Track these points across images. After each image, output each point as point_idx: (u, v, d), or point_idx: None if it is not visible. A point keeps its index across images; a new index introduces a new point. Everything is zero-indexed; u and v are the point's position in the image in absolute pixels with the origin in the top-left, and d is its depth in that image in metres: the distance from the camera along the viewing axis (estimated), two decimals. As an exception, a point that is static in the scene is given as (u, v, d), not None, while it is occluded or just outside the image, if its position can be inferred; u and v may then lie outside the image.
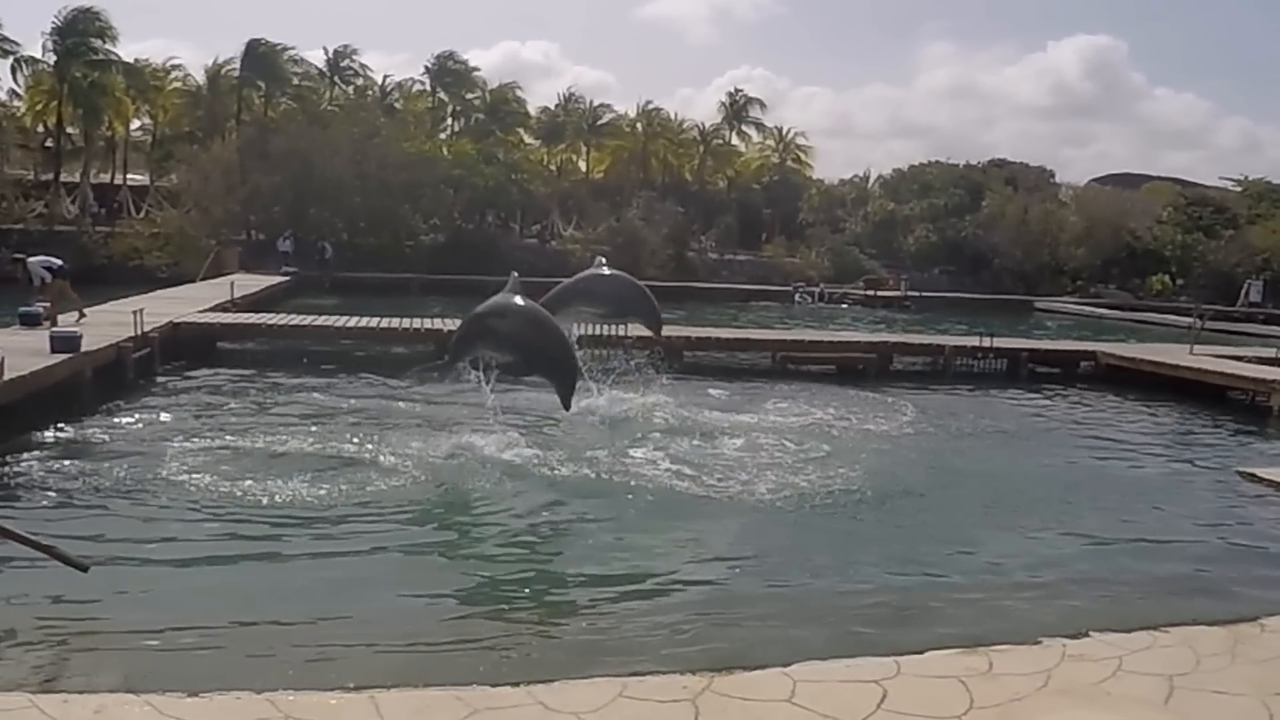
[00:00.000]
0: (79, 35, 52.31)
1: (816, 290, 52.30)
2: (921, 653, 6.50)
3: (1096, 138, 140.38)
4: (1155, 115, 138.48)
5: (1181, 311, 43.54)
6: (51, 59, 52.82)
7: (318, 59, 64.81)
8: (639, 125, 72.80)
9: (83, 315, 19.31)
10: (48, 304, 19.27)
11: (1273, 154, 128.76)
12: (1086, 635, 6.84)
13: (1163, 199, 65.62)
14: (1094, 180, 75.43)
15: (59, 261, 20.13)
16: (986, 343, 24.96)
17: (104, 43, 53.45)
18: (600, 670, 6.32)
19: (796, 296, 51.30)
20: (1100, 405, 21.03)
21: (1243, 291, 54.88)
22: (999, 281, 57.72)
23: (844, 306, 49.63)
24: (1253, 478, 13.42)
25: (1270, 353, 25.63)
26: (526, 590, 8.53)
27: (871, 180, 74.53)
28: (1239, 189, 68.04)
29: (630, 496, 11.38)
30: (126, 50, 56.60)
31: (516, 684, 5.75)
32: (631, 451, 13.42)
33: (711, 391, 19.25)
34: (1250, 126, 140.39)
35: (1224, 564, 10.13)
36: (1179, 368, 22.84)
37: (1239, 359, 24.20)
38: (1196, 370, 22.43)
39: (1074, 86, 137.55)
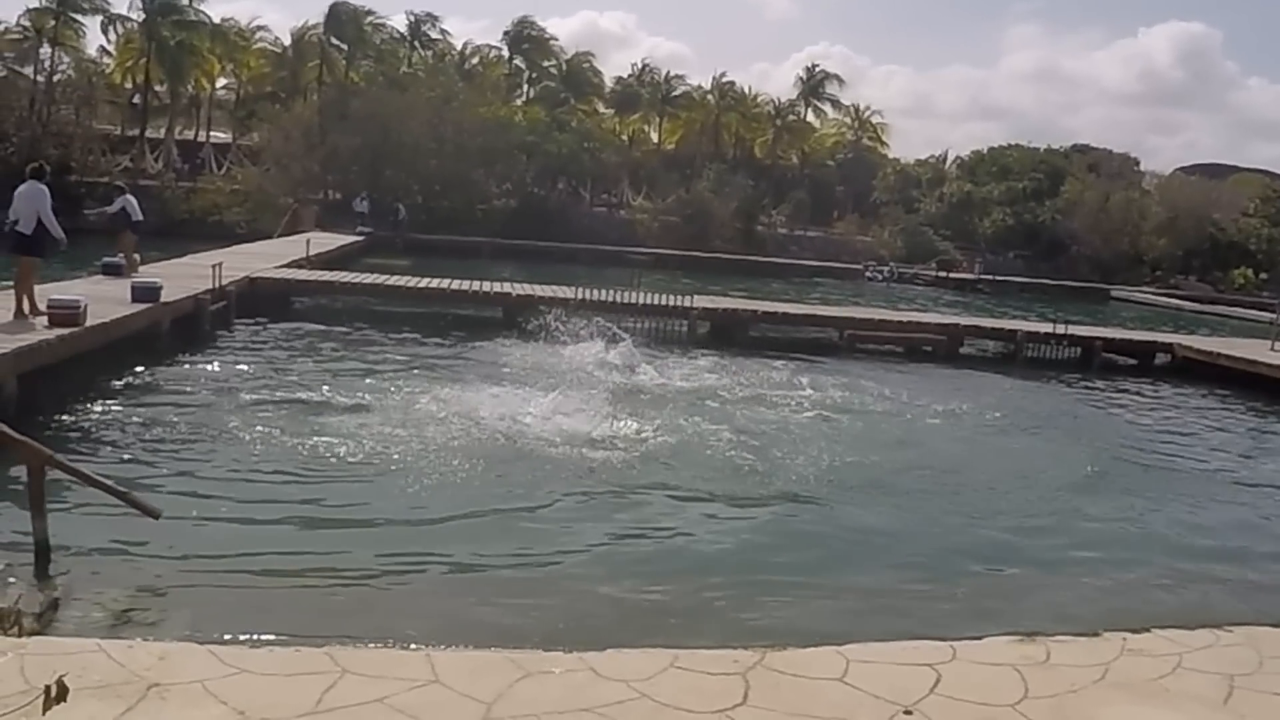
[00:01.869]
0: (167, -4, 53.32)
1: (888, 269, 51.72)
2: (979, 638, 6.44)
3: (1185, 126, 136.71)
4: (1246, 105, 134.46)
5: (1264, 307, 42.33)
6: (140, 18, 53.87)
7: (400, 24, 65.43)
8: (712, 97, 72.34)
9: (134, 272, 19.72)
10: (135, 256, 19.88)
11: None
12: (1148, 631, 6.71)
13: (1250, 191, 63.73)
14: (1180, 169, 73.40)
15: (140, 216, 20.62)
16: (1060, 329, 24.50)
17: (191, 3, 54.39)
18: (653, 640, 6.36)
19: (868, 274, 50.81)
20: (1174, 398, 20.57)
21: None
22: (1075, 268, 56.62)
23: (916, 287, 49.03)
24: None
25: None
26: (580, 557, 8.57)
27: (949, 161, 73.45)
28: (1331, 182, 65.86)
29: (688, 468, 11.39)
30: (214, 11, 57.76)
31: (569, 649, 5.80)
32: (690, 422, 13.44)
33: (776, 365, 19.13)
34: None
35: (1294, 566, 9.91)
36: (1258, 364, 22.22)
37: (1322, 357, 23.46)
38: (1276, 367, 21.81)
39: (1164, 74, 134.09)
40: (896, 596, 8.18)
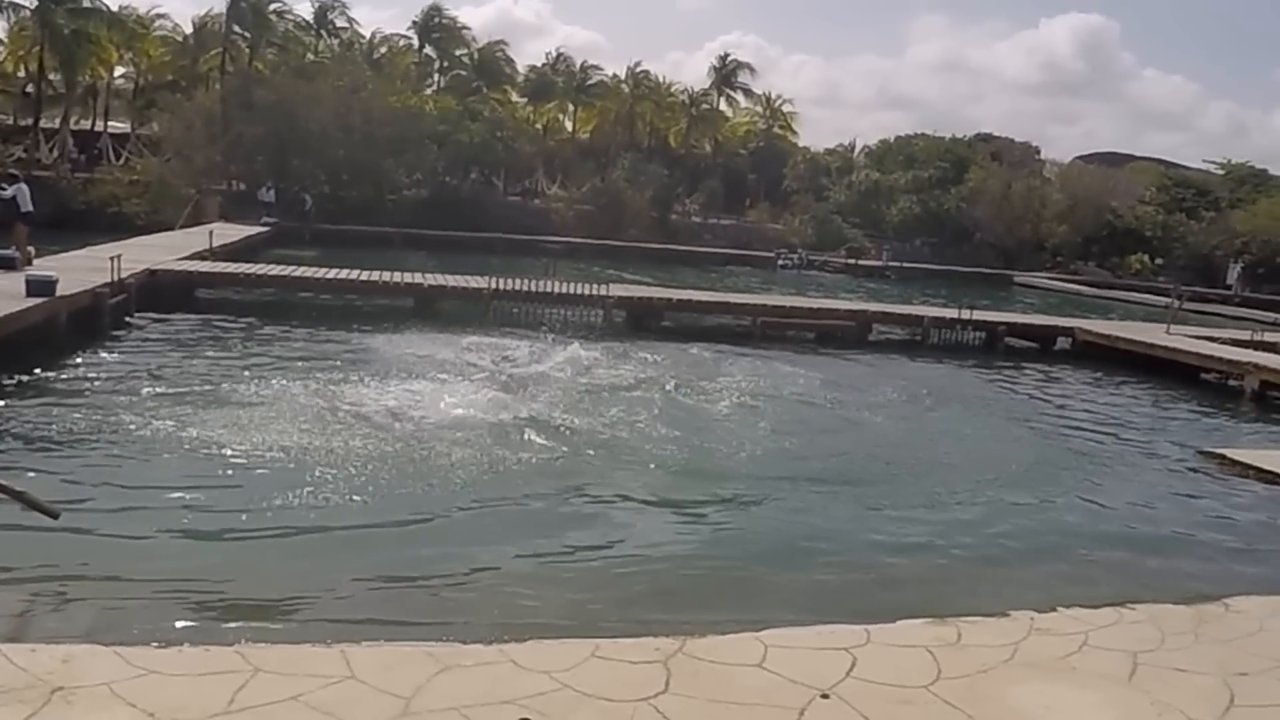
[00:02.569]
0: (58, -17, 51.41)
1: (797, 256, 52.30)
2: (892, 621, 6.56)
3: (1084, 116, 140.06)
4: (1143, 96, 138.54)
5: (1160, 291, 43.84)
6: (34, 4, 51.95)
7: (305, 11, 64.12)
8: (626, 86, 72.38)
9: (28, 265, 19.09)
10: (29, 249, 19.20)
11: (1258, 139, 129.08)
12: (1054, 610, 6.91)
13: (1146, 179, 65.70)
14: (1079, 158, 75.33)
15: (30, 207, 19.94)
16: (965, 315, 25.06)
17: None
18: (572, 631, 6.35)
19: (780, 261, 51.32)
20: (1075, 381, 21.19)
21: (1230, 273, 55.34)
22: (980, 255, 57.89)
23: (826, 274, 49.68)
24: (1221, 459, 13.56)
25: (1245, 335, 25.86)
26: (497, 551, 8.49)
27: (857, 150, 74.41)
28: (1222, 172, 68.28)
29: (604, 457, 11.40)
30: None
31: (489, 642, 5.76)
32: (607, 411, 13.45)
33: (691, 352, 19.25)
34: (1236, 110, 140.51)
35: (1190, 543, 10.27)
36: (1155, 347, 23.01)
37: (1214, 340, 24.40)
38: (1172, 350, 22.61)
39: (1064, 64, 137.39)
40: (809, 580, 8.28)
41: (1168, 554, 9.79)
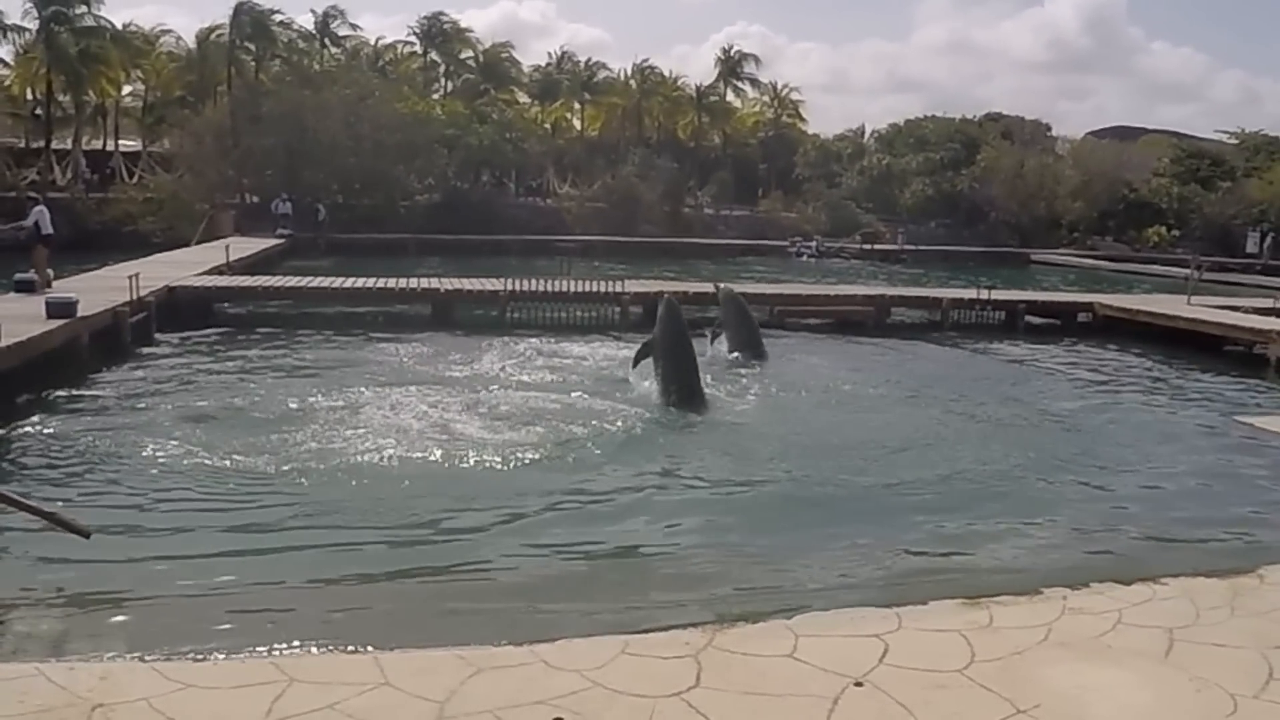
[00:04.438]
0: (60, 2, 51.66)
1: (814, 245, 52.13)
2: (923, 604, 6.53)
3: (1094, 91, 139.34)
4: (1153, 69, 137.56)
5: (1178, 263, 43.47)
6: (38, 25, 52.24)
7: (307, 22, 64.36)
8: (633, 82, 72.36)
9: (48, 287, 19.22)
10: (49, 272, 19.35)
11: (1270, 107, 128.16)
12: (1086, 586, 6.86)
13: (1159, 152, 65.21)
14: (1090, 133, 74.88)
15: (50, 229, 20.06)
16: (984, 295, 24.94)
17: (90, 9, 52.86)
18: (603, 628, 6.35)
19: (795, 250, 51.18)
20: (1098, 356, 21.05)
21: (1250, 242, 55.01)
22: (995, 234, 57.63)
23: (841, 261, 49.50)
24: (1250, 428, 13.46)
25: (1267, 303, 25.63)
26: (525, 552, 8.48)
27: (867, 135, 74.22)
28: (1235, 142, 67.69)
29: (622, 450, 11.42)
30: (116, 16, 56.21)
31: (520, 643, 5.77)
32: (620, 403, 13.50)
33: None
34: (1247, 79, 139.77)
35: (1221, 514, 10.14)
36: (1176, 318, 22.83)
37: (1236, 309, 24.19)
38: (1193, 321, 22.43)
39: (1071, 41, 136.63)
40: (840, 566, 8.23)
41: (1199, 527, 9.69)
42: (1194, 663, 5.65)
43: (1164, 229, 58.18)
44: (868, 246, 52.39)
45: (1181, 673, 5.54)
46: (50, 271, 19.63)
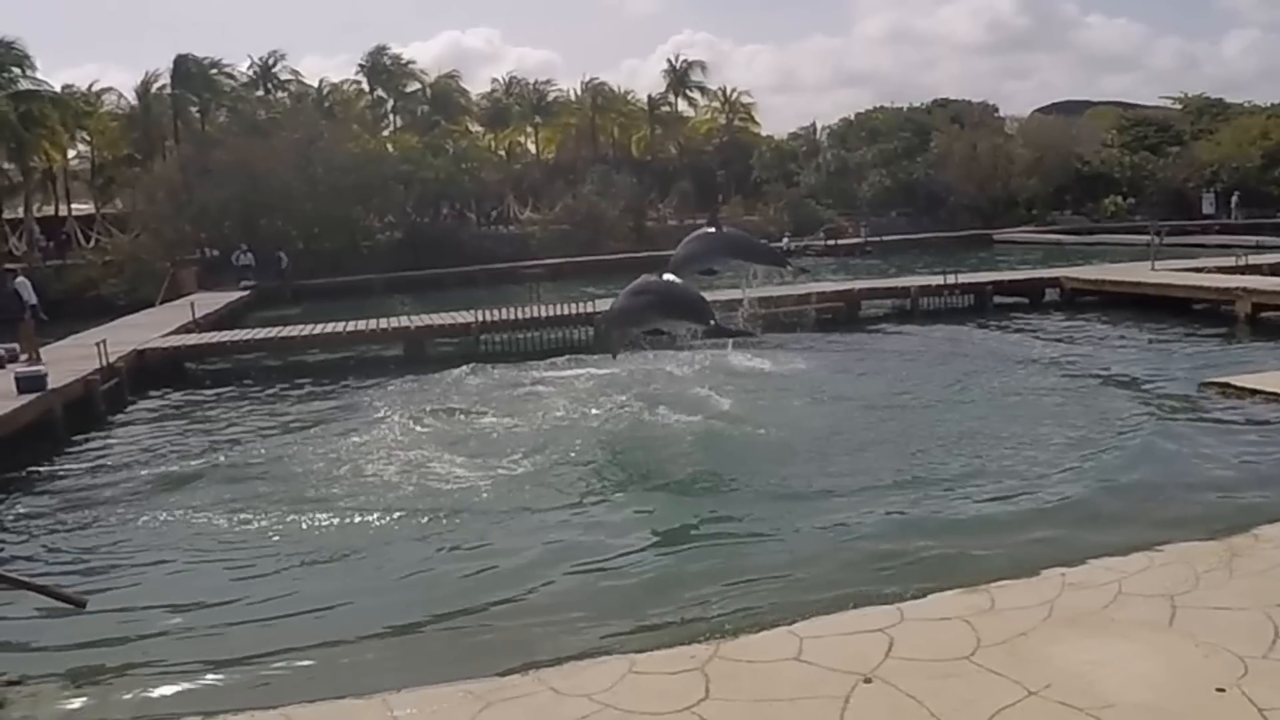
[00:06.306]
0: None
1: (784, 243, 52.17)
2: (923, 596, 6.54)
3: (1036, 69, 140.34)
4: (1090, 42, 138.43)
5: (1138, 230, 43.94)
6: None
7: (247, 68, 63.90)
8: (585, 100, 72.47)
9: (38, 360, 18.95)
10: (13, 345, 19.00)
11: (1209, 69, 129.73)
12: (1084, 563, 6.88)
13: (1106, 123, 66.00)
14: (1037, 110, 75.51)
15: (35, 300, 19.74)
16: (951, 280, 25.11)
17: (25, 72, 52.29)
18: (608, 649, 6.33)
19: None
20: (1068, 329, 21.24)
21: (1205, 203, 55.81)
22: (956, 218, 58.03)
23: (808, 258, 49.59)
24: (1225, 386, 13.57)
25: (1229, 262, 25.94)
26: (523, 580, 8.43)
27: (819, 131, 74.48)
28: (1179, 107, 68.63)
29: (607, 468, 11.41)
30: (55, 79, 55.65)
31: (525, 671, 5.74)
32: (593, 414, 13.57)
33: (683, 353, 19.21)
34: (1184, 45, 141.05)
35: (1209, 476, 10.25)
36: (1143, 284, 23.10)
37: (1201, 270, 24.46)
38: (1160, 285, 22.70)
39: (1009, 21, 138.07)
40: (834, 564, 8.24)
41: (1189, 491, 9.78)
42: (1199, 628, 5.68)
43: (1119, 198, 58.82)
44: (831, 242, 52.57)
45: (1187, 639, 5.57)
46: (16, 346, 19.25)
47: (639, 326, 14.86)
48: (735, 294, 19.01)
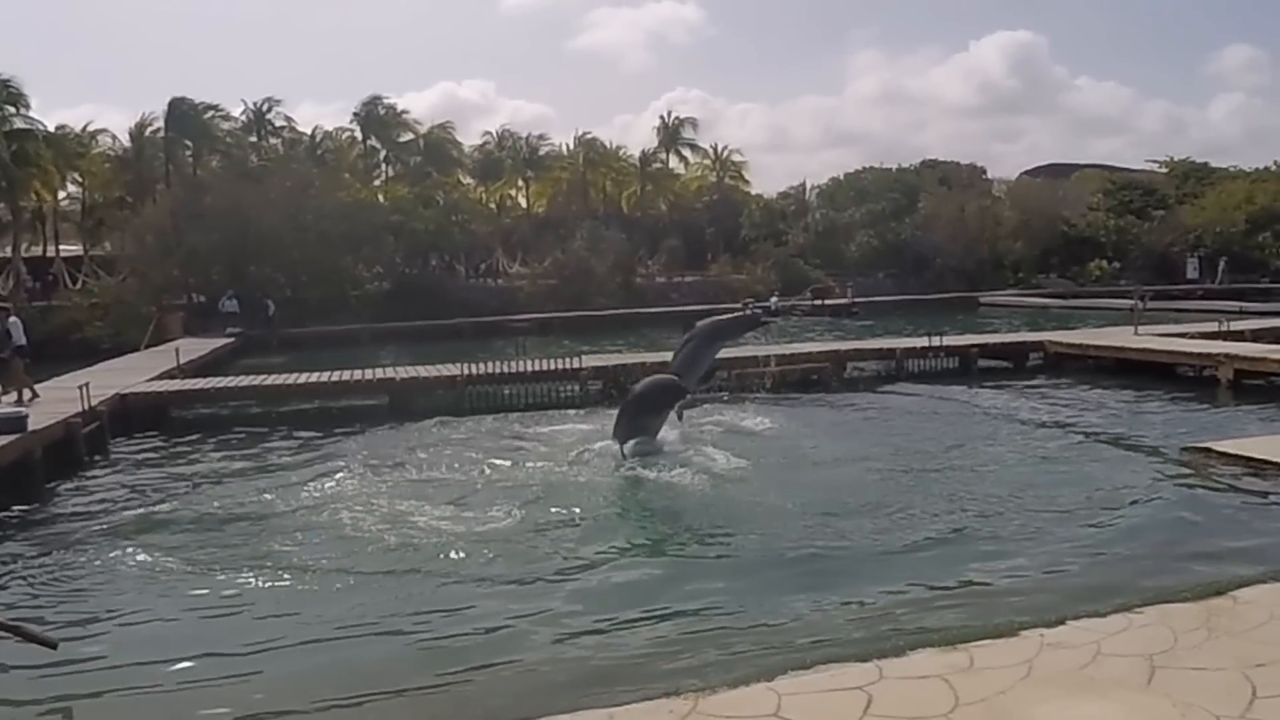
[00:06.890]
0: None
1: (771, 302, 52.38)
2: (902, 654, 6.51)
3: (1025, 131, 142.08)
4: (1078, 105, 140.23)
5: (1123, 294, 44.33)
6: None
7: (241, 113, 64.32)
8: (577, 155, 73.11)
9: (35, 396, 18.88)
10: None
11: (1196, 133, 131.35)
12: (1063, 623, 6.87)
13: (1093, 186, 66.84)
14: (1025, 173, 76.57)
15: (25, 341, 19.59)
16: (936, 342, 25.23)
17: (19, 111, 52.50)
18: (585, 703, 6.27)
19: (749, 313, 51.25)
20: (1052, 393, 21.27)
21: (1190, 268, 56.59)
22: (942, 280, 58.42)
23: (794, 318, 49.74)
24: (1207, 452, 13.62)
25: (1212, 326, 26.17)
26: (498, 633, 8.39)
27: (809, 191, 75.23)
28: (1165, 170, 69.65)
29: (593, 526, 11.36)
30: (49, 119, 55.82)
31: (504, 728, 5.69)
32: (574, 470, 13.61)
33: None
34: (1171, 108, 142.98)
35: (1189, 539, 10.28)
36: (1125, 349, 23.25)
37: (1184, 335, 24.66)
38: (1143, 350, 22.84)
39: (999, 83, 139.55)
40: (814, 624, 8.21)
41: (1169, 553, 9.80)
42: (1177, 688, 5.67)
43: (1105, 262, 59.44)
44: (818, 302, 52.85)
45: (1165, 699, 5.55)
46: (6, 388, 19.11)
47: (643, 434, 15.37)
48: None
